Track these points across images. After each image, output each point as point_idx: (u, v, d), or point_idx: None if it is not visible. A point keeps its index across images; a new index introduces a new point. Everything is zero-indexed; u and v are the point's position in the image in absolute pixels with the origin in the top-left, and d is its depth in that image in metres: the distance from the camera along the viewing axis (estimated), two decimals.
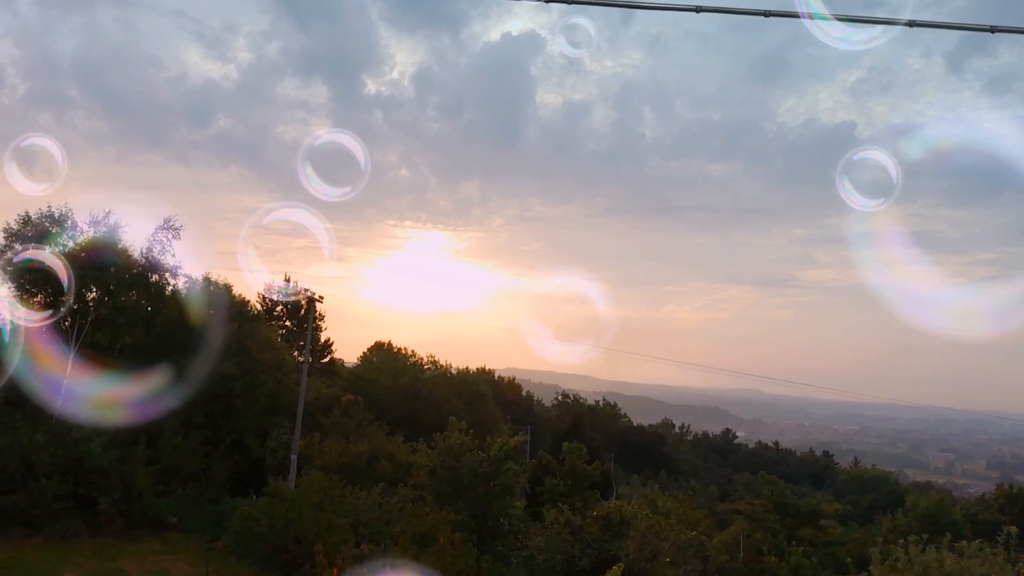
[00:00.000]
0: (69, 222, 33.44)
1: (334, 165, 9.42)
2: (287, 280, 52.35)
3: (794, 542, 30.30)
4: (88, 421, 26.63)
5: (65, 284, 26.56)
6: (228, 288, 38.31)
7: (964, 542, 14.24)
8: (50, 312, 30.56)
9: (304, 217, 9.54)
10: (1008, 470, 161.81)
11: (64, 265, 26.34)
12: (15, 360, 25.63)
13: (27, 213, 32.90)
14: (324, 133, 9.46)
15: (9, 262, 31.88)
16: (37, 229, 32.80)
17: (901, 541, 14.29)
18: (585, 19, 8.50)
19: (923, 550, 13.78)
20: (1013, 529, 15.17)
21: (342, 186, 9.29)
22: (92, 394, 27.23)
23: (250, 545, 22.10)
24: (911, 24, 6.47)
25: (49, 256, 28.06)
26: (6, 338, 26.68)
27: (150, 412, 28.15)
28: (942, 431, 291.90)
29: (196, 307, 34.35)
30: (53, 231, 33.12)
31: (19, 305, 29.60)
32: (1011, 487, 49.48)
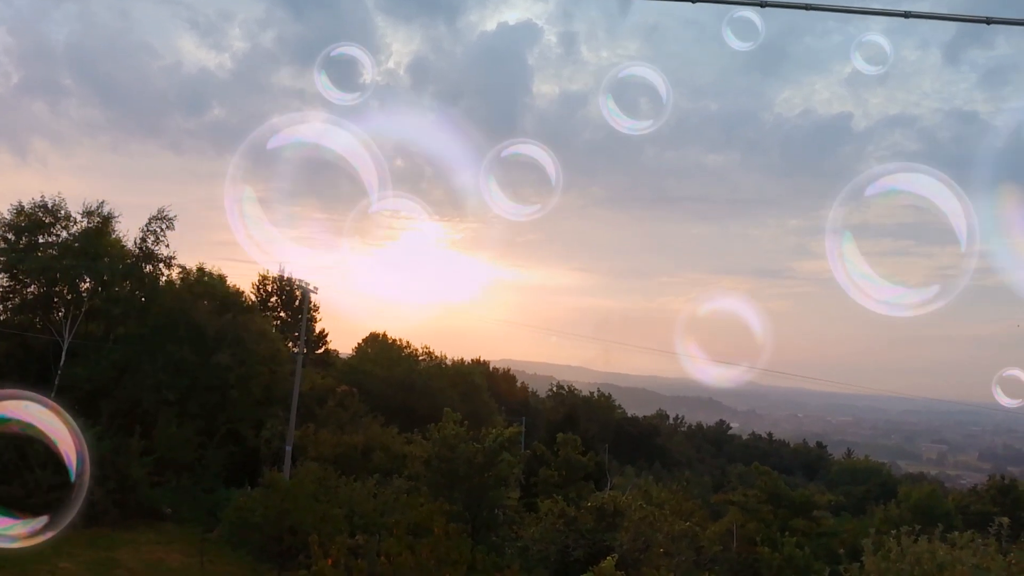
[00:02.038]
0: (63, 212, 33.29)
1: (635, 99, 9.05)
2: (281, 271, 52.28)
3: (787, 533, 30.38)
4: None
5: None
6: (222, 279, 38.23)
7: (956, 533, 14.30)
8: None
9: (537, 153, 9.11)
10: (1000, 461, 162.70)
11: None
12: None
13: (20, 203, 32.76)
14: (627, 65, 9.15)
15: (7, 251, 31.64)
16: (31, 219, 32.65)
17: (894, 532, 14.35)
18: (882, 38, 8.51)
19: (915, 541, 13.84)
20: (1005, 520, 15.23)
21: (643, 120, 9.07)
22: None
23: (245, 535, 22.10)
24: (907, 15, 6.46)
25: None
26: None
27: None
28: (935, 423, 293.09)
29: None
30: (47, 221, 32.97)
31: None
32: (1003, 478, 49.65)
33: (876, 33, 8.54)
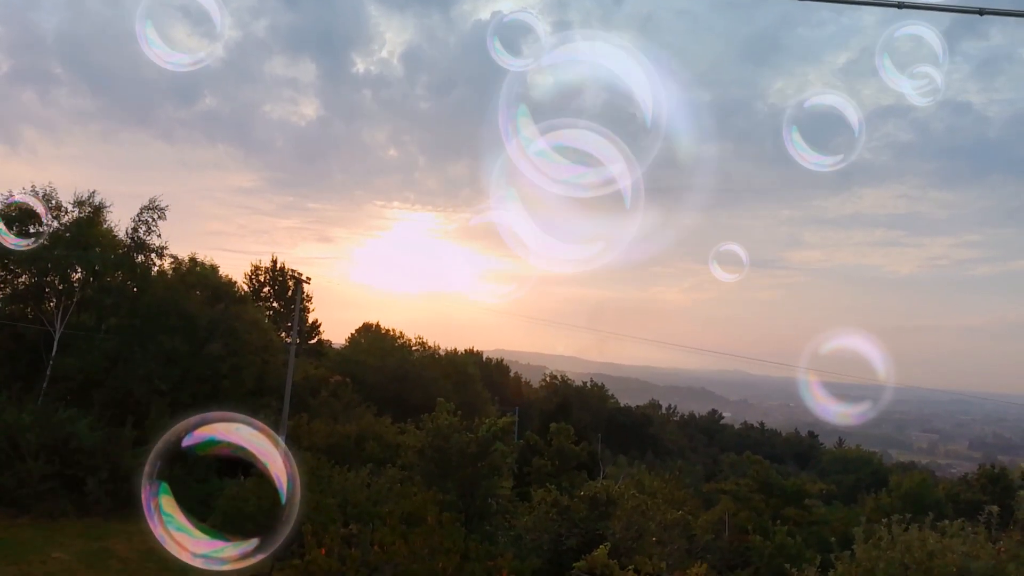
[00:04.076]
0: (53, 202, 33.09)
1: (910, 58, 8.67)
2: (273, 261, 52.19)
3: (779, 521, 30.52)
4: None
5: None
6: (215, 269, 38.12)
7: (946, 521, 14.38)
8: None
9: (839, 103, 8.60)
10: (990, 450, 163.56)
11: None
12: None
13: (10, 192, 32.53)
14: (906, 24, 8.71)
15: None
16: (21, 209, 32.43)
17: (884, 520, 14.41)
18: (934, 69, 8.20)
19: (906, 529, 13.91)
20: (994, 508, 15.30)
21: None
22: None
23: (238, 525, 22.10)
24: (900, 6, 6.45)
25: None
26: None
27: None
28: (926, 412, 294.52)
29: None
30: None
31: None
32: (993, 467, 49.91)
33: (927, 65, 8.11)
